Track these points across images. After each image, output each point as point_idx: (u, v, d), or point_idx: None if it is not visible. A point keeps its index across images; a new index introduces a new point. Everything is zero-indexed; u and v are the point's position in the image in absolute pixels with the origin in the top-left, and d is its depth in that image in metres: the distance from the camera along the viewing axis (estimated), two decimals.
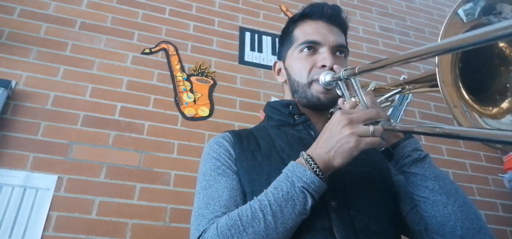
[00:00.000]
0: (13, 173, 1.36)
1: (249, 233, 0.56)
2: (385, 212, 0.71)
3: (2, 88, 1.44)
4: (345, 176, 0.71)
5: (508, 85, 0.54)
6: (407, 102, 2.12)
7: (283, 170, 0.63)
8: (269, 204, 0.58)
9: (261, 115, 1.77)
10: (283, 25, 0.97)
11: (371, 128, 0.59)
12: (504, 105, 0.53)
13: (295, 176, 0.60)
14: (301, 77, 0.82)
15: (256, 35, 2.09)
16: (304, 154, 0.62)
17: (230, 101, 1.80)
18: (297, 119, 0.82)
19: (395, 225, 0.73)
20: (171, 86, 1.76)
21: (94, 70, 1.68)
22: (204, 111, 1.73)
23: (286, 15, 2.24)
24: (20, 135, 1.44)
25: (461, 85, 0.53)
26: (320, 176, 0.59)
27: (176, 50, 1.87)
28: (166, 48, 1.86)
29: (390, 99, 0.80)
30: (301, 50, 0.83)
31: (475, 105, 0.53)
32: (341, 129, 0.60)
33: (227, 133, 0.80)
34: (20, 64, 1.59)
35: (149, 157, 1.54)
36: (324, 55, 0.80)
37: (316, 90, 0.80)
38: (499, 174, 2.04)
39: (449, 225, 0.63)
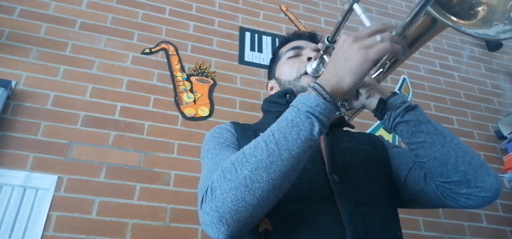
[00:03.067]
0: (13, 173, 1.36)
1: (251, 162, 0.54)
2: (383, 187, 0.74)
3: (2, 88, 1.44)
4: (345, 152, 0.75)
5: (472, 10, 0.63)
6: None
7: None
8: (272, 133, 0.56)
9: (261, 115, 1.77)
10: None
11: (378, 36, 0.55)
12: (475, 20, 0.61)
13: (300, 103, 0.57)
14: (291, 74, 0.88)
15: (256, 35, 2.09)
16: (311, 83, 0.59)
17: (230, 101, 1.80)
18: None
19: (392, 200, 0.76)
20: (171, 86, 1.76)
21: (94, 70, 1.68)
22: (204, 111, 1.73)
23: (286, 15, 2.24)
24: (20, 135, 1.44)
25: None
26: (327, 99, 0.56)
27: (176, 50, 1.87)
28: (166, 48, 1.86)
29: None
30: (288, 57, 0.92)
31: (451, 16, 0.61)
32: (348, 48, 0.57)
33: (227, 123, 0.83)
34: (20, 64, 1.59)
35: (149, 157, 1.54)
36: (308, 52, 0.89)
37: (305, 81, 0.84)
38: (499, 174, 2.04)
39: (451, 162, 0.65)
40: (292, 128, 0.55)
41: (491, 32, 0.58)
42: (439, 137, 0.66)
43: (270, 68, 1.02)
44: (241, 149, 0.58)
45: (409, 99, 2.13)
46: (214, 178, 0.56)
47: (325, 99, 0.56)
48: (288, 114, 0.57)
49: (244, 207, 0.52)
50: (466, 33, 0.57)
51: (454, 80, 2.37)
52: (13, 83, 1.51)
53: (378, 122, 1.87)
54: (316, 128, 0.55)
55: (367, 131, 1.91)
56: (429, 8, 0.57)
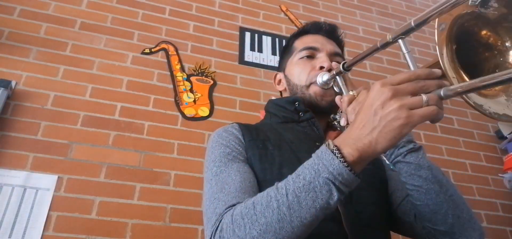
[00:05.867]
0: (13, 173, 1.36)
1: (261, 223, 0.51)
2: (382, 209, 0.75)
3: (2, 88, 1.44)
4: None
5: (497, 69, 0.57)
6: None
7: (313, 154, 0.54)
8: (286, 194, 0.51)
9: (261, 115, 1.77)
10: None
11: (424, 97, 0.47)
12: (496, 87, 0.54)
13: (322, 164, 0.50)
14: (300, 80, 0.86)
15: (256, 35, 2.09)
16: (336, 142, 0.51)
17: (230, 101, 1.80)
18: (302, 115, 0.82)
19: (389, 220, 0.76)
20: (171, 86, 1.76)
21: (94, 70, 1.68)
22: (204, 111, 1.73)
23: (286, 15, 2.24)
24: (20, 135, 1.44)
25: (457, 62, 0.55)
26: (350, 168, 0.49)
27: (176, 50, 1.87)
28: (166, 48, 1.86)
29: None
30: (301, 57, 0.88)
31: (468, 79, 0.55)
32: (386, 103, 0.47)
33: (234, 123, 0.80)
34: (20, 64, 1.59)
35: (149, 157, 1.54)
36: (322, 59, 0.85)
37: (314, 91, 0.83)
38: (499, 174, 2.04)
39: (441, 213, 0.65)
40: (308, 192, 0.50)
41: (510, 111, 0.52)
42: (435, 186, 0.65)
43: (281, 59, 0.98)
44: (252, 200, 0.55)
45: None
46: (223, 224, 0.56)
47: (348, 168, 0.49)
48: (307, 171, 0.51)
49: None
50: (486, 114, 0.51)
51: None
52: (13, 83, 1.51)
53: None
54: (335, 197, 0.49)
55: None
56: (466, 96, 0.50)
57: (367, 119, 0.49)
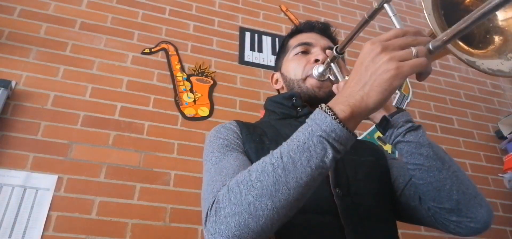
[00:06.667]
0: (13, 173, 1.36)
1: (256, 188, 0.50)
2: (384, 199, 0.74)
3: (2, 88, 1.44)
4: (348, 165, 0.74)
5: (488, 35, 0.58)
6: (407, 102, 2.12)
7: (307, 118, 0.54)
8: (281, 157, 0.51)
9: (261, 115, 1.77)
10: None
11: (413, 49, 0.48)
12: (489, 48, 0.57)
13: (315, 123, 0.50)
14: (296, 74, 0.87)
15: (256, 35, 2.09)
16: (328, 104, 0.52)
17: (230, 101, 1.80)
18: (300, 111, 0.83)
19: (391, 211, 0.76)
20: (171, 86, 1.76)
21: (94, 70, 1.68)
22: (204, 111, 1.73)
23: (286, 15, 2.24)
24: (20, 135, 1.44)
25: (447, 27, 0.54)
26: (343, 124, 0.49)
27: (176, 50, 1.87)
28: (166, 48, 1.86)
29: None
30: (296, 53, 0.90)
31: (463, 45, 0.56)
32: (375, 58, 0.48)
33: (232, 121, 0.81)
34: (20, 64, 1.59)
35: (149, 157, 1.54)
36: (316, 52, 0.87)
37: (310, 83, 0.84)
38: (499, 174, 2.04)
39: (445, 190, 0.64)
40: (303, 152, 0.49)
41: (505, 67, 0.53)
42: (437, 162, 0.65)
43: (277, 59, 1.00)
44: (248, 168, 0.55)
45: (409, 99, 2.13)
46: (220, 196, 0.54)
47: (341, 124, 0.49)
48: (300, 133, 0.52)
49: (247, 233, 0.50)
50: (480, 70, 0.52)
51: (454, 80, 2.37)
52: (13, 83, 1.51)
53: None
54: (329, 155, 0.49)
55: (368, 130, 1.91)
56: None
57: (359, 76, 0.50)
